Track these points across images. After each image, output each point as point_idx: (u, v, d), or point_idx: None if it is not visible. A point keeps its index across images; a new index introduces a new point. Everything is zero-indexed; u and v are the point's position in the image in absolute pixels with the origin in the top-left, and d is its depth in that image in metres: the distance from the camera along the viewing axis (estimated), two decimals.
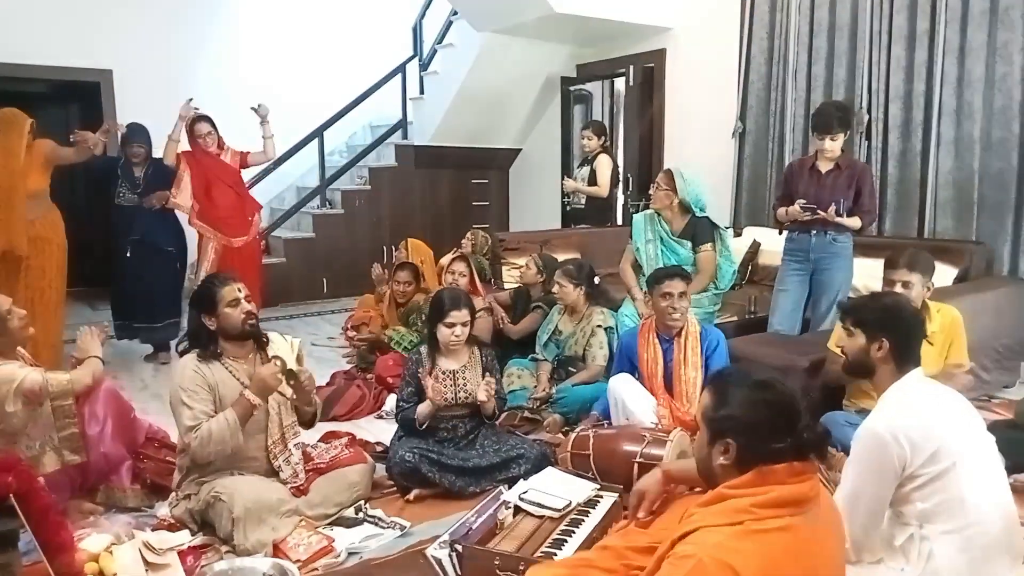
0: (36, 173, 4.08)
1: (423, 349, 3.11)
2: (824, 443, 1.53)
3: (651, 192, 4.22)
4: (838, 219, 3.67)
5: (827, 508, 1.54)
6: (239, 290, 2.62)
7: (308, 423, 2.85)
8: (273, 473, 2.67)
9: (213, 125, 4.90)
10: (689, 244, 4.08)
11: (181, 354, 2.70)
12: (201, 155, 4.87)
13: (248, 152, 5.07)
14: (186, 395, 2.52)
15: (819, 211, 3.67)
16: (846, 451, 2.85)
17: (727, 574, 1.32)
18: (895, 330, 2.03)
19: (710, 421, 1.56)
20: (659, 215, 4.16)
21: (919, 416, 1.90)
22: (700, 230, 4.08)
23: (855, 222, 3.73)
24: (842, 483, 1.97)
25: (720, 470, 1.52)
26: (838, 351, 3.08)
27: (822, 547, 1.47)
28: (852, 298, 2.25)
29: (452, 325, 2.98)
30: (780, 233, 4.10)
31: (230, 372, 2.63)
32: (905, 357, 2.02)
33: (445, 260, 4.68)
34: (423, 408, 2.97)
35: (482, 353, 3.14)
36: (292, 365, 2.65)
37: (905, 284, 2.92)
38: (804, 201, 3.71)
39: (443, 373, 3.04)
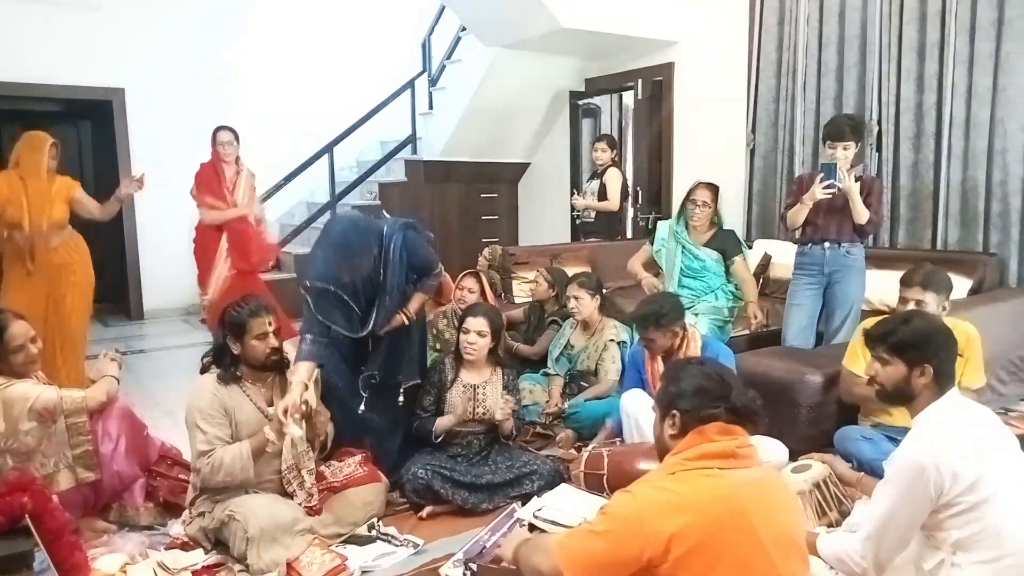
0: (59, 204, 4.03)
1: (447, 360, 3.14)
2: (754, 407, 1.72)
3: (688, 208, 4.14)
4: (852, 185, 3.59)
5: (770, 483, 1.71)
6: (269, 324, 2.62)
7: (320, 451, 2.85)
8: (287, 495, 2.67)
9: (236, 136, 4.89)
10: (716, 254, 4.12)
11: (203, 371, 2.71)
12: (218, 168, 4.87)
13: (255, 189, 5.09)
14: (201, 418, 2.53)
15: (839, 178, 3.58)
16: (862, 467, 2.85)
17: (649, 501, 1.58)
18: (937, 354, 1.94)
19: (661, 400, 1.79)
20: (683, 226, 4.19)
21: (960, 444, 1.83)
22: (731, 242, 4.16)
23: (864, 208, 3.65)
24: (873, 504, 1.92)
25: (670, 441, 1.74)
26: (855, 372, 3.05)
27: (756, 503, 1.60)
28: (877, 323, 2.14)
29: (467, 332, 3.03)
30: (788, 230, 4.09)
31: (248, 396, 2.64)
32: (946, 378, 1.95)
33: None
34: (445, 421, 2.99)
35: (504, 372, 3.16)
36: (313, 402, 2.66)
37: (918, 303, 2.89)
38: (822, 184, 3.62)
39: (464, 386, 3.06)
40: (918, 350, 1.95)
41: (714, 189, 4.15)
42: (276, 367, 2.69)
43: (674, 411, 1.73)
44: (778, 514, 1.64)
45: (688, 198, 4.15)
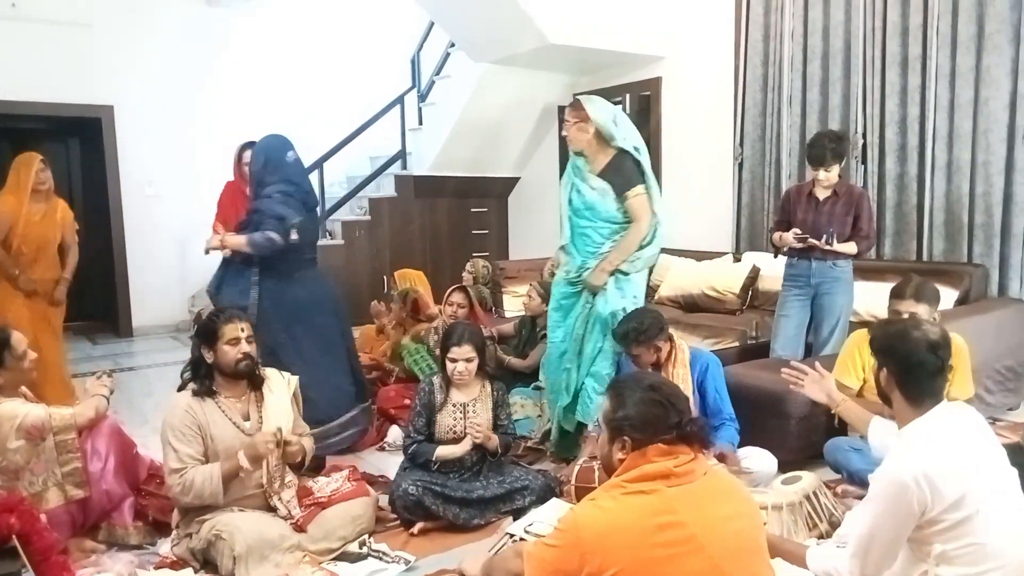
0: (68, 230, 4.27)
1: (435, 380, 3.11)
2: (702, 434, 1.73)
3: (564, 133, 3.42)
4: (828, 247, 3.70)
5: (713, 492, 1.69)
6: (242, 329, 2.64)
7: (296, 467, 2.82)
8: (272, 509, 2.66)
9: None
10: (608, 188, 3.30)
11: (180, 388, 2.70)
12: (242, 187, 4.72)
13: None
14: (173, 436, 2.54)
15: (811, 240, 3.70)
16: (851, 478, 2.86)
17: (586, 519, 1.65)
18: (893, 358, 1.95)
19: (610, 423, 1.77)
20: (581, 156, 3.39)
21: (944, 461, 1.80)
22: (626, 170, 3.28)
23: (850, 248, 3.75)
24: (858, 521, 1.92)
25: (618, 464, 1.73)
26: (845, 383, 3.06)
27: (694, 514, 1.62)
28: (874, 323, 2.19)
29: (454, 360, 3.00)
30: (775, 256, 4.11)
31: (223, 411, 2.64)
32: (915, 390, 1.92)
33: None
34: (448, 451, 2.97)
35: (493, 388, 3.15)
36: (286, 428, 2.65)
37: (911, 316, 2.91)
38: (798, 232, 3.75)
39: (453, 405, 3.05)
40: (879, 350, 2.01)
41: (579, 108, 3.25)
42: (248, 374, 2.68)
43: (624, 437, 1.72)
44: (723, 521, 1.66)
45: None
